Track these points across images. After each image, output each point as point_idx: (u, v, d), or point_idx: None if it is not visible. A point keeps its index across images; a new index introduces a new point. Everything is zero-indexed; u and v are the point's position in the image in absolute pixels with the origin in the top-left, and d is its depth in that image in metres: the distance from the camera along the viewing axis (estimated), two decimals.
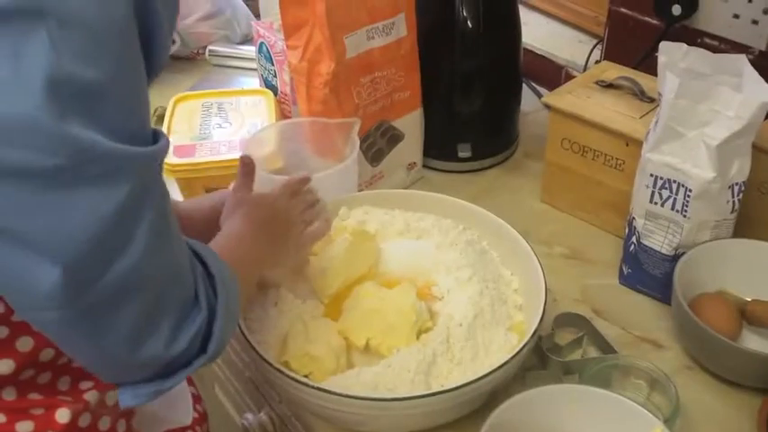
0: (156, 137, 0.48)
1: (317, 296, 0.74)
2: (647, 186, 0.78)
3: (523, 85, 1.13)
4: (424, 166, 1.05)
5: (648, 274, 0.82)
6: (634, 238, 0.82)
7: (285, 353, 0.67)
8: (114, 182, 0.44)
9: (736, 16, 0.95)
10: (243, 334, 0.66)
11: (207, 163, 0.91)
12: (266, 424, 0.82)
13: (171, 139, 0.96)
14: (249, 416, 0.83)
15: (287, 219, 0.71)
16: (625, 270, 0.85)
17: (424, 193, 0.86)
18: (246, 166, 0.73)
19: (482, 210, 0.82)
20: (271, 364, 0.63)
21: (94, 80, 0.43)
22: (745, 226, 0.82)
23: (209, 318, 0.51)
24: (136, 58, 0.46)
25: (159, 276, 0.47)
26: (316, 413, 0.67)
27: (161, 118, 1.06)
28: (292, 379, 0.62)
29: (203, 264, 0.53)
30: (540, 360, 0.74)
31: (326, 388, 0.62)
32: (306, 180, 0.75)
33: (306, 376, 0.65)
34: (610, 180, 0.90)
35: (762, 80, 0.74)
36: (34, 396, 0.57)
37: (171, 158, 0.92)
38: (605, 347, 0.75)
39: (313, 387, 0.62)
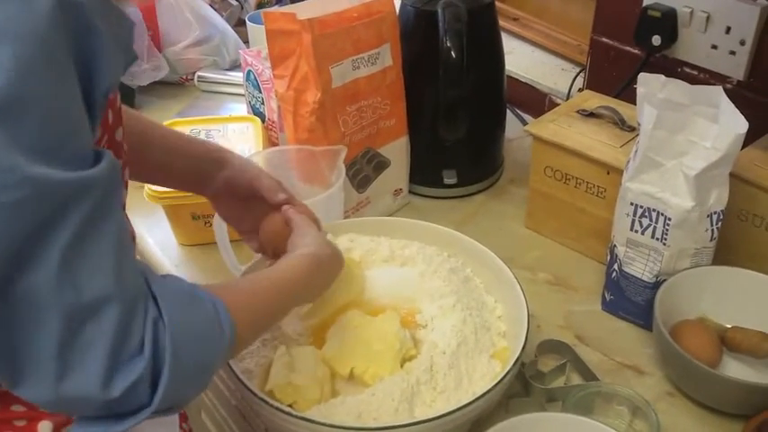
0: (99, 158, 0.46)
1: (301, 323, 0.74)
2: (628, 215, 0.80)
3: (508, 112, 1.15)
4: (411, 192, 1.06)
5: (630, 300, 0.83)
6: (616, 266, 0.83)
7: (269, 382, 0.68)
8: (21, 209, 0.42)
9: (715, 47, 0.97)
10: (227, 362, 0.66)
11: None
12: None
13: None
14: None
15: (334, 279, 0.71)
16: (607, 297, 0.86)
17: (409, 221, 0.87)
18: None
19: (466, 237, 0.83)
20: (255, 394, 0.63)
21: (14, 94, 0.42)
22: (726, 252, 0.83)
23: (153, 369, 0.48)
24: (64, 73, 0.45)
25: (73, 308, 0.45)
26: None
27: None
28: (276, 408, 0.62)
29: (159, 311, 0.49)
30: (524, 387, 0.75)
31: (311, 418, 0.62)
32: None
33: (290, 405, 0.66)
34: (592, 207, 0.91)
35: (737, 112, 0.76)
36: (17, 408, 0.57)
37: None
38: (588, 374, 0.76)
39: (297, 417, 0.62)
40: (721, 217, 0.78)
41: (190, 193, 0.92)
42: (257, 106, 1.11)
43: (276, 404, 0.63)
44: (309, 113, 0.89)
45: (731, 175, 0.79)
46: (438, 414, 0.62)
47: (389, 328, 0.71)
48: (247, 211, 0.76)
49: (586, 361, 0.77)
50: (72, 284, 0.45)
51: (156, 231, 1.00)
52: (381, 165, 0.99)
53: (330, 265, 0.69)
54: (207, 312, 0.52)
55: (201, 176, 0.75)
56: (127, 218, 0.63)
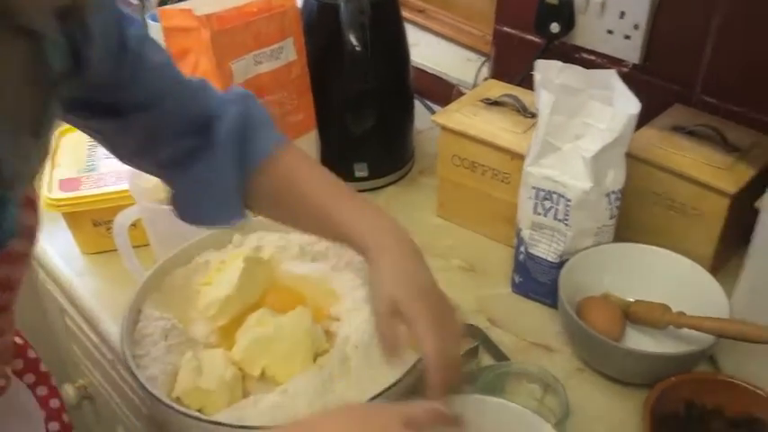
0: None
1: (209, 326, 0.73)
2: (530, 198, 0.82)
3: (418, 103, 1.15)
4: None
5: (538, 281, 0.85)
6: (522, 248, 0.85)
7: (176, 388, 0.66)
8: None
9: (610, 32, 1.00)
10: (131, 370, 0.64)
11: (92, 196, 0.88)
12: None
13: (55, 173, 0.94)
14: None
15: None
16: (516, 279, 0.88)
17: None
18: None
19: None
20: (161, 401, 0.61)
21: None
22: (627, 230, 0.86)
23: None
24: None
25: None
26: None
27: None
28: (184, 414, 0.61)
29: None
30: None
31: (218, 420, 0.61)
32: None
33: (199, 410, 0.64)
34: (499, 193, 0.93)
35: (630, 94, 0.79)
36: None
37: (55, 193, 0.89)
38: (499, 355, 0.78)
39: (206, 421, 0.60)
40: (619, 196, 0.81)
41: (89, 200, 0.89)
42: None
43: (183, 410, 0.61)
44: None
45: (628, 155, 0.82)
46: None
47: (300, 324, 0.70)
48: None
49: (498, 342, 0.79)
50: None
51: (57, 241, 0.95)
52: None
53: None
54: None
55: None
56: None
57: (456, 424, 0.56)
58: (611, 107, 0.78)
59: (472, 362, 0.77)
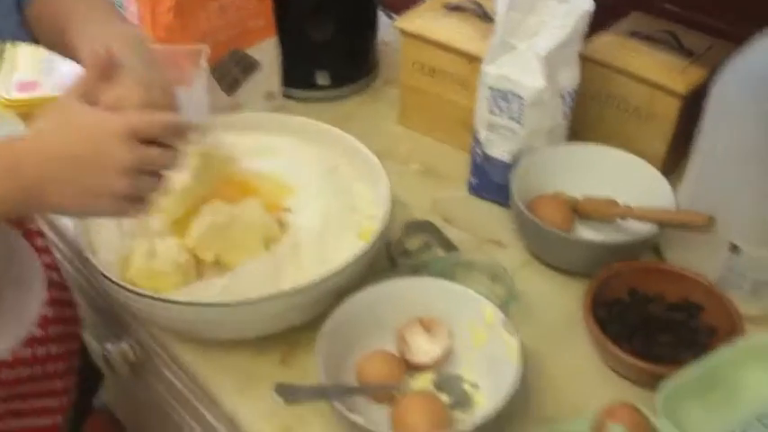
0: None
1: (164, 217, 0.74)
2: (487, 98, 0.82)
3: (383, 15, 1.14)
4: (284, 95, 1.06)
5: (493, 182, 0.87)
6: (479, 149, 0.86)
7: (129, 270, 0.67)
8: None
9: None
10: (83, 254, 0.65)
11: (51, 98, 0.87)
12: (127, 352, 0.81)
13: (15, 76, 0.93)
14: (109, 346, 0.83)
15: (102, 168, 0.52)
16: (473, 181, 0.89)
17: (277, 115, 0.87)
18: (100, 64, 0.55)
19: (334, 128, 0.84)
20: (112, 281, 0.63)
21: None
22: (584, 132, 0.88)
23: None
24: None
25: None
26: (165, 328, 0.68)
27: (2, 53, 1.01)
28: (136, 293, 0.62)
29: None
30: (392, 264, 0.78)
31: (172, 299, 0.62)
32: (173, 127, 0.56)
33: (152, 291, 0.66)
34: (458, 99, 0.94)
35: None
36: None
37: (12, 94, 0.89)
38: (451, 249, 0.80)
39: (157, 299, 0.62)
40: (573, 96, 0.82)
41: (47, 102, 0.89)
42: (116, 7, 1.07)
43: (136, 289, 0.63)
44: (167, 10, 0.86)
45: (584, 57, 0.83)
46: (299, 287, 0.64)
47: (252, 213, 0.71)
48: None
49: (451, 238, 0.81)
50: None
51: None
52: (250, 66, 0.98)
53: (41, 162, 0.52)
54: None
55: None
56: None
57: (184, 133, 0.57)
58: (565, 4, 0.78)
59: (426, 254, 0.79)
